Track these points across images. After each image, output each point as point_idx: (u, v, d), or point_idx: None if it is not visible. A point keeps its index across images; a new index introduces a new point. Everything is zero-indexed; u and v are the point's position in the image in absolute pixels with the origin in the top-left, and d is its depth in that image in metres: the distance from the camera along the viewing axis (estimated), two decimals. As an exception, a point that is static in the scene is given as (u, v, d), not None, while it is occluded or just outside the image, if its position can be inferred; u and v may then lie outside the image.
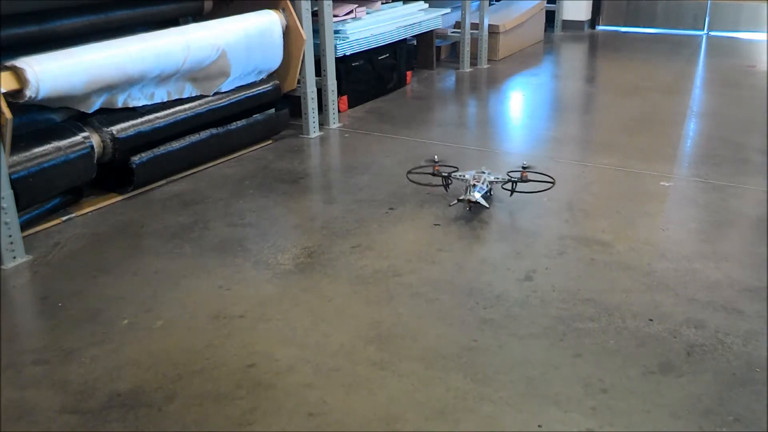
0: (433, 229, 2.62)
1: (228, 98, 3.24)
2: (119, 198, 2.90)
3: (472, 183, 2.70)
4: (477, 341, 1.94)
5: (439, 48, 5.39)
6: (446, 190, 2.90)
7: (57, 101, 2.60)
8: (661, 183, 3.04)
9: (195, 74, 3.07)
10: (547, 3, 6.29)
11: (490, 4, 5.81)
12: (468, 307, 2.10)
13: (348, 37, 3.99)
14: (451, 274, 2.29)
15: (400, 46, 4.58)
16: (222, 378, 1.80)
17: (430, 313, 2.08)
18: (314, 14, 3.61)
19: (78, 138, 2.65)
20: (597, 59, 5.96)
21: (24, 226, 2.49)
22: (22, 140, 2.50)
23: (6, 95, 2.33)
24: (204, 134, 3.16)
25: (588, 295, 2.16)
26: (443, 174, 2.90)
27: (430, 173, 2.97)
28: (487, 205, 2.69)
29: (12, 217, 2.36)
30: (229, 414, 1.67)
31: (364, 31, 4.13)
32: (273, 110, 3.52)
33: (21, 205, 2.43)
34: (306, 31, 3.48)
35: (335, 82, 3.83)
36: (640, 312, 2.06)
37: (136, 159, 2.87)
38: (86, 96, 2.67)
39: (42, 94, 2.42)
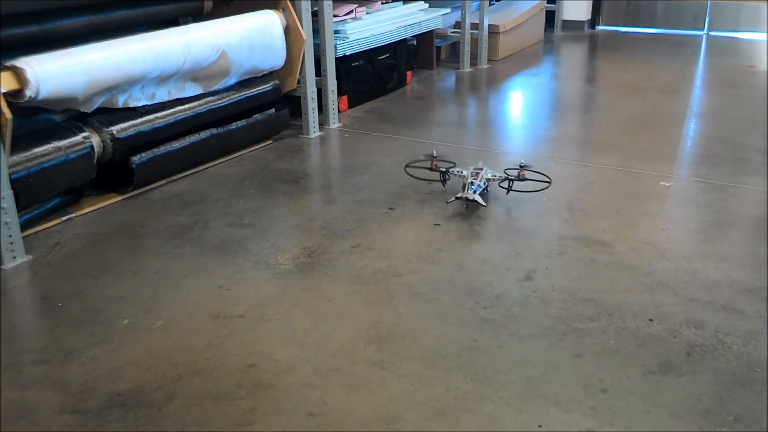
0: (433, 229, 2.62)
1: (228, 98, 3.24)
2: (119, 198, 2.90)
3: (469, 180, 2.71)
4: (477, 341, 1.94)
5: (439, 48, 5.39)
6: (444, 186, 2.91)
7: (59, 103, 2.60)
8: (661, 183, 3.04)
9: (195, 74, 3.07)
10: (547, 3, 6.29)
11: (490, 4, 5.81)
12: (468, 307, 2.10)
13: (348, 37, 3.99)
14: (451, 274, 2.29)
15: (400, 46, 4.58)
16: (222, 378, 1.80)
17: (430, 313, 2.08)
18: (314, 14, 3.61)
19: (78, 138, 2.65)
20: (597, 59, 5.96)
21: (24, 226, 2.50)
22: (22, 140, 2.50)
23: (6, 95, 2.33)
24: (204, 134, 3.16)
25: (588, 295, 2.16)
26: (441, 169, 2.91)
27: (428, 168, 2.98)
28: (484, 204, 2.70)
29: (12, 217, 2.36)
30: (229, 414, 1.67)
31: (364, 31, 4.13)
32: (273, 110, 3.52)
33: (21, 205, 2.43)
34: (306, 31, 3.48)
35: (335, 82, 3.83)
36: (640, 312, 2.06)
37: (136, 159, 2.87)
38: (87, 98, 2.66)
39: (42, 94, 2.42)
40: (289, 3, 3.42)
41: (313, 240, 2.54)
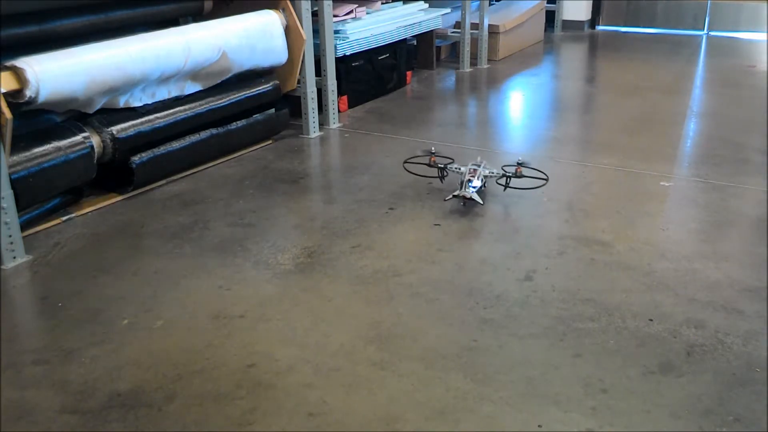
0: (433, 229, 2.62)
1: (228, 98, 3.24)
2: (119, 198, 2.90)
3: (467, 178, 2.72)
4: (477, 341, 1.94)
5: (439, 48, 5.39)
6: (442, 182, 2.93)
7: (61, 105, 2.60)
8: (661, 183, 3.04)
9: (196, 74, 3.07)
10: (547, 3, 6.29)
11: (490, 4, 5.81)
12: (468, 307, 2.10)
13: (348, 37, 3.99)
14: (451, 274, 2.29)
15: (400, 46, 4.58)
16: (222, 378, 1.80)
17: (430, 313, 2.08)
18: (314, 14, 3.61)
19: (78, 138, 2.65)
20: (597, 59, 5.96)
21: (24, 226, 2.49)
22: (22, 140, 2.50)
23: (6, 95, 2.33)
24: (204, 134, 3.16)
25: (588, 295, 2.16)
26: (439, 165, 2.92)
27: (426, 164, 2.99)
28: (481, 202, 2.72)
29: (12, 217, 2.36)
30: (229, 414, 1.67)
31: (364, 31, 4.13)
32: (273, 110, 3.52)
33: (21, 205, 2.43)
34: (306, 31, 3.48)
35: (335, 82, 3.83)
36: (640, 312, 2.06)
37: (136, 159, 2.87)
38: (89, 99, 2.66)
39: (42, 94, 2.42)
40: (289, 3, 3.42)
41: (313, 240, 2.54)
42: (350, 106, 4.20)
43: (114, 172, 2.86)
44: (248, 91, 3.34)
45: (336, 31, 3.89)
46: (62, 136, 2.62)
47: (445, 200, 2.79)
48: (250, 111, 3.39)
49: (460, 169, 2.84)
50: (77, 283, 2.26)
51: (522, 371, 1.81)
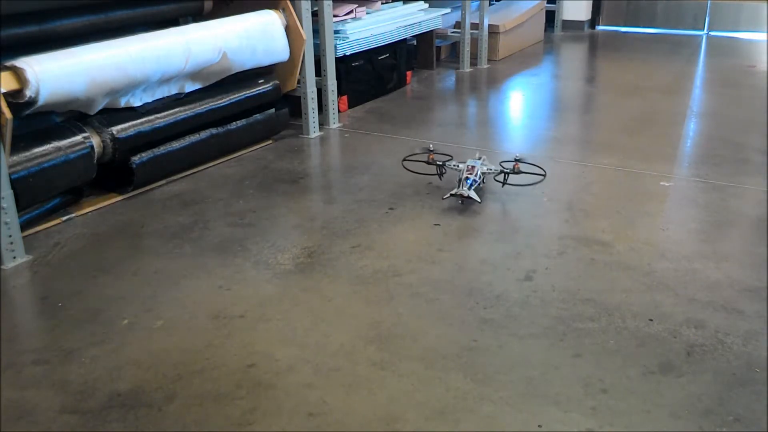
0: (433, 229, 2.62)
1: (228, 98, 3.24)
2: (119, 198, 2.90)
3: (465, 176, 2.72)
4: (477, 341, 1.94)
5: (439, 48, 5.39)
6: (440, 179, 2.95)
7: (62, 106, 2.60)
8: (661, 183, 3.04)
9: (196, 74, 3.07)
10: (547, 3, 6.29)
11: (490, 4, 5.81)
12: (468, 307, 2.10)
13: (348, 37, 3.99)
14: (451, 274, 2.29)
15: (400, 46, 4.58)
16: (222, 378, 1.80)
17: (430, 313, 2.08)
18: (314, 14, 3.60)
19: (78, 138, 2.65)
20: (597, 59, 5.96)
21: (24, 226, 2.49)
22: (22, 140, 2.50)
23: (6, 95, 2.33)
24: (204, 134, 3.16)
25: (588, 295, 2.16)
26: (438, 163, 2.93)
27: (425, 161, 3.00)
28: (479, 200, 2.72)
29: (12, 217, 2.36)
30: (229, 414, 1.67)
31: (364, 31, 4.13)
32: (273, 110, 3.52)
33: (21, 205, 2.43)
34: (306, 31, 3.48)
35: (335, 82, 3.83)
36: (640, 312, 2.06)
37: (136, 159, 2.87)
38: (89, 100, 2.66)
39: (42, 95, 2.42)
40: (289, 3, 3.42)
41: (313, 240, 2.54)
42: (350, 106, 4.20)
43: (114, 172, 2.86)
44: (248, 91, 3.34)
45: (336, 31, 3.89)
46: (62, 136, 2.62)
47: (443, 198, 2.79)
48: (250, 111, 3.39)
49: (458, 166, 2.85)
50: (77, 283, 2.26)
51: (522, 371, 1.81)
